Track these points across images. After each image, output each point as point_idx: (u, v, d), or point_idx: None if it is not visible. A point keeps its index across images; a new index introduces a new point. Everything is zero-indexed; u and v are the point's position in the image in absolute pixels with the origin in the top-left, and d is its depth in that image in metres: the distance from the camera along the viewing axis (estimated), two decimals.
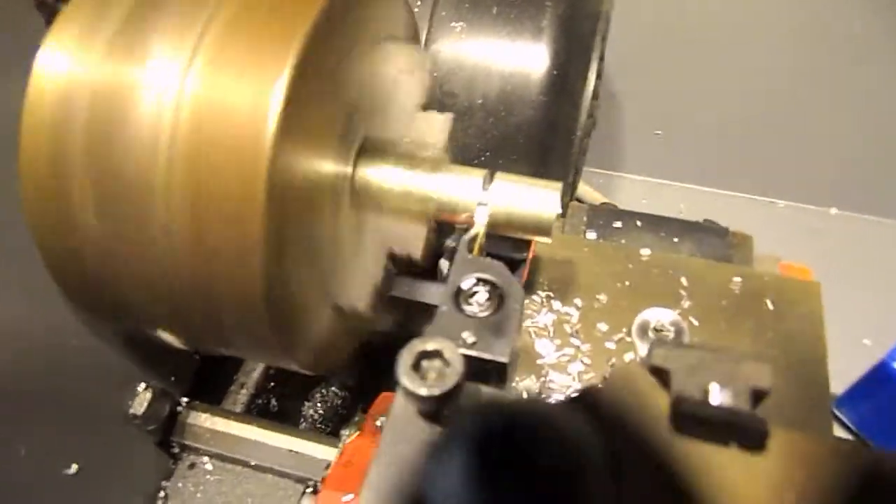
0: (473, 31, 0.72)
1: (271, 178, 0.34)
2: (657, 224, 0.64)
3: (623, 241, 0.62)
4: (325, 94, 0.39)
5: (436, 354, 0.32)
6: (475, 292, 0.39)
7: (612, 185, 1.15)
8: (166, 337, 0.45)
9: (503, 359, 0.36)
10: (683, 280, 0.55)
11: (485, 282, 0.39)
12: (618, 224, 0.64)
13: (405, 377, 0.30)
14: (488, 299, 0.39)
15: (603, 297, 0.55)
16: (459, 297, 0.39)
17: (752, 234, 0.63)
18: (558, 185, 0.46)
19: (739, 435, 0.28)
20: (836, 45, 0.92)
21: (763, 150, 1.05)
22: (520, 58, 0.71)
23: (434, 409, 0.33)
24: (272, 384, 0.79)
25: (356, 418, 0.70)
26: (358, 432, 0.60)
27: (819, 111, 0.99)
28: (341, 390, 0.87)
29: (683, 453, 0.28)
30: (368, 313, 0.48)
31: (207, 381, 0.70)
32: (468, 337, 0.36)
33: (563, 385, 0.49)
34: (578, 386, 0.50)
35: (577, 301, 0.54)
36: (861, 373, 0.70)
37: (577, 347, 0.52)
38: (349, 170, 0.43)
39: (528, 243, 0.84)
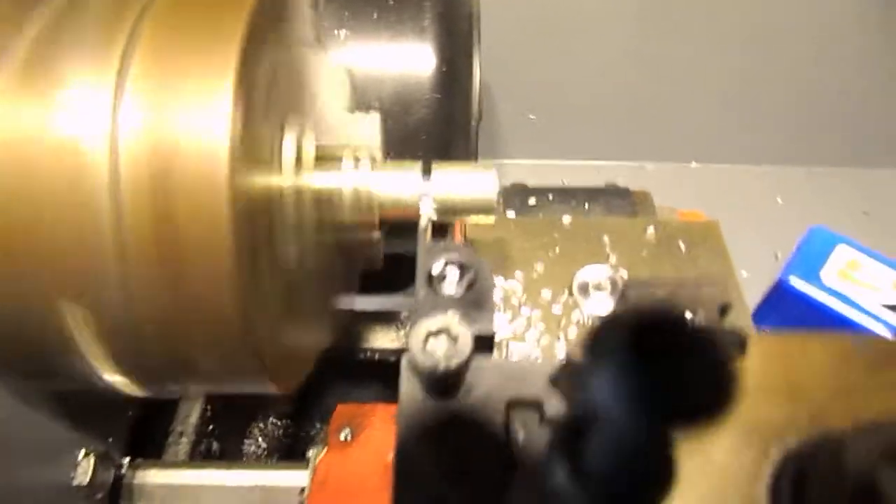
0: (357, 37, 0.73)
1: (234, 200, 0.34)
2: (567, 195, 0.69)
3: (540, 216, 0.66)
4: (265, 105, 0.39)
5: (439, 333, 0.33)
6: (446, 275, 0.40)
7: (497, 171, 1.20)
8: (116, 380, 0.42)
9: (490, 331, 0.37)
10: (605, 238, 0.60)
11: (452, 263, 0.41)
12: (532, 201, 0.68)
13: (421, 356, 0.31)
14: (460, 278, 0.40)
15: (540, 267, 0.58)
16: (433, 281, 0.40)
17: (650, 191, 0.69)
18: (491, 166, 0.49)
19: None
20: (679, 17, 1.03)
21: (627, 119, 1.15)
22: (408, 59, 0.73)
23: (443, 386, 0.34)
24: (211, 427, 0.75)
25: (319, 436, 0.69)
26: (325, 449, 0.59)
27: (669, 77, 1.10)
28: (280, 420, 0.84)
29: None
30: (332, 324, 0.48)
31: (143, 436, 0.66)
32: (454, 315, 0.37)
33: (524, 353, 0.52)
34: (538, 351, 0.53)
35: (518, 274, 0.58)
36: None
37: (528, 316, 0.55)
38: (294, 181, 0.43)
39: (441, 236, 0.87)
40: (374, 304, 0.73)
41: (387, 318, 0.70)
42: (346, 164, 0.46)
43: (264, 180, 0.38)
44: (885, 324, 0.58)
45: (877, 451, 0.24)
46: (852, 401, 0.31)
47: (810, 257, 0.62)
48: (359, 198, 0.46)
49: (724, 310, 0.34)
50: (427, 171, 0.48)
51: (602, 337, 0.15)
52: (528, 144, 1.21)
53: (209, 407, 0.73)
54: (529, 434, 0.34)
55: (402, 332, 0.68)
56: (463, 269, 0.41)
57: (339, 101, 0.51)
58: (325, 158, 0.45)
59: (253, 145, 0.36)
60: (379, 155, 0.48)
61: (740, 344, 0.32)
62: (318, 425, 0.84)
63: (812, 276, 0.61)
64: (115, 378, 0.40)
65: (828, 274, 0.61)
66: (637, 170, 1.22)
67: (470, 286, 0.40)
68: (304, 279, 0.45)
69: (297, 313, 0.45)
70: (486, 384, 0.35)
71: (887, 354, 0.32)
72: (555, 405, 0.34)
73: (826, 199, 1.16)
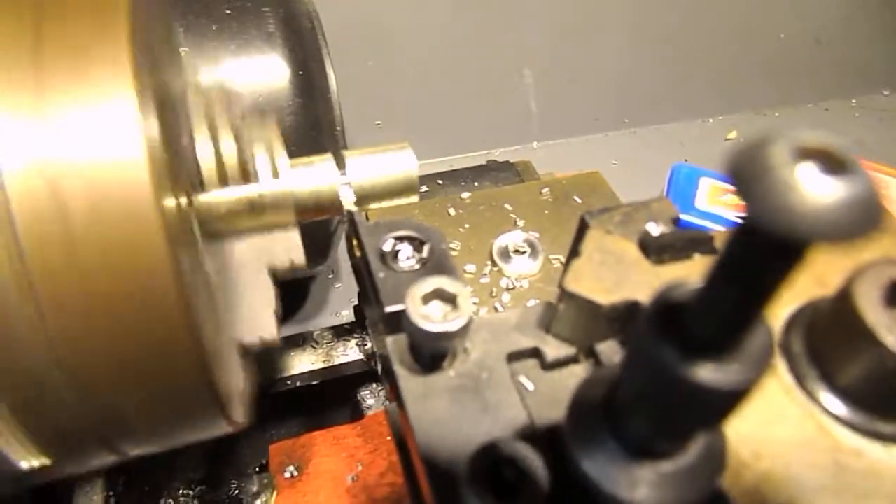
0: (200, 52, 0.68)
1: (166, 224, 0.29)
2: (454, 177, 0.69)
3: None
4: (173, 117, 0.34)
5: (431, 297, 0.31)
6: (398, 250, 0.38)
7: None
8: (32, 465, 0.34)
9: (465, 292, 0.36)
10: (508, 206, 0.61)
11: (401, 238, 0.39)
12: (424, 188, 0.67)
13: (422, 321, 0.29)
14: (414, 250, 0.38)
15: (455, 244, 0.57)
16: (387, 259, 0.37)
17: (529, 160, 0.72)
18: (405, 143, 0.47)
19: (693, 246, 0.33)
20: (495, 10, 1.08)
21: (467, 112, 1.19)
22: (261, 68, 0.69)
23: (443, 353, 0.32)
24: None
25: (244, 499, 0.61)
26: (274, 492, 0.53)
27: (503, 66, 1.15)
28: (189, 487, 0.75)
29: (669, 274, 0.32)
30: (274, 342, 0.43)
31: None
32: (434, 279, 0.35)
33: None
34: None
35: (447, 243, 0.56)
36: None
37: None
38: (200, 197, 0.38)
39: (324, 255, 0.82)
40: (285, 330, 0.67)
41: (298, 342, 0.65)
42: (263, 166, 0.41)
43: (182, 197, 0.33)
44: None
45: (880, 288, 0.26)
46: (812, 269, 0.33)
47: (681, 191, 0.68)
48: (280, 199, 0.41)
49: (675, 220, 0.35)
50: (340, 161, 0.45)
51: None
52: None
53: (110, 493, 0.62)
54: (536, 382, 0.33)
55: (320, 351, 0.63)
56: (413, 241, 0.39)
57: (235, 105, 0.46)
58: (240, 165, 0.41)
59: (170, 157, 0.31)
60: (285, 155, 0.44)
61: (707, 240, 0.34)
62: (234, 482, 0.76)
63: (688, 207, 0.66)
64: (31, 462, 0.33)
65: (699, 202, 0.67)
66: (486, 157, 1.26)
67: (426, 255, 0.38)
68: (230, 293, 0.40)
69: (230, 334, 0.39)
70: (481, 343, 0.33)
71: None
72: (553, 347, 0.33)
73: (652, 155, 1.29)
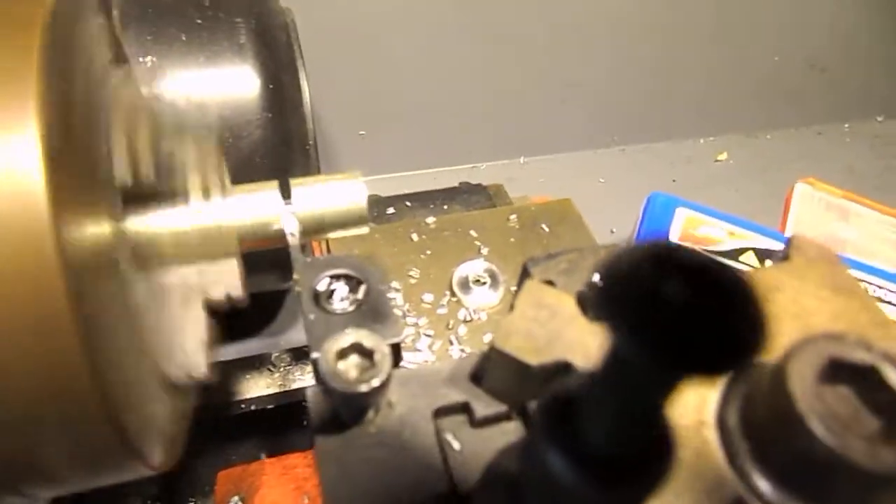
0: (168, 62, 0.66)
1: (64, 258, 0.27)
2: (424, 199, 0.67)
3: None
4: (83, 138, 0.32)
5: (348, 352, 0.29)
6: (333, 290, 0.36)
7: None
8: None
9: (398, 338, 0.34)
10: (473, 232, 0.59)
11: (337, 277, 0.37)
12: (391, 210, 0.66)
13: (336, 381, 0.27)
14: (350, 291, 0.36)
15: (415, 272, 0.56)
16: (320, 300, 0.36)
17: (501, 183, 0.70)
18: (356, 174, 0.45)
19: None
20: (482, 23, 1.07)
21: (456, 123, 1.17)
22: (229, 80, 0.68)
23: (362, 409, 0.30)
24: None
25: None
26: None
27: (489, 79, 1.14)
28: None
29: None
30: (203, 378, 0.41)
31: None
32: (356, 330, 0.34)
33: (420, 362, 0.49)
34: (433, 358, 0.50)
35: (395, 284, 0.55)
36: None
37: (416, 324, 0.52)
38: (126, 223, 0.36)
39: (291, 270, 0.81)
40: (239, 351, 0.66)
41: (255, 364, 0.63)
42: (193, 192, 0.40)
43: (96, 223, 0.31)
44: None
45: (816, 367, 0.25)
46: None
47: (655, 222, 0.67)
48: (213, 230, 0.40)
49: None
50: (286, 190, 0.43)
51: (616, 285, 0.13)
52: (361, 161, 1.18)
53: None
54: (463, 440, 0.31)
55: (277, 375, 0.62)
56: (350, 280, 0.37)
57: (168, 129, 0.44)
58: (167, 189, 0.39)
59: (76, 184, 0.29)
60: (226, 180, 0.43)
61: None
62: (192, 501, 0.74)
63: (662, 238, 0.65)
64: None
65: (673, 234, 0.66)
66: (471, 171, 1.24)
67: (364, 297, 0.36)
68: (157, 329, 0.38)
69: (156, 370, 0.38)
70: (408, 396, 0.32)
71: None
72: (483, 404, 0.32)
73: (640, 174, 1.27)
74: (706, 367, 0.12)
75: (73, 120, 0.31)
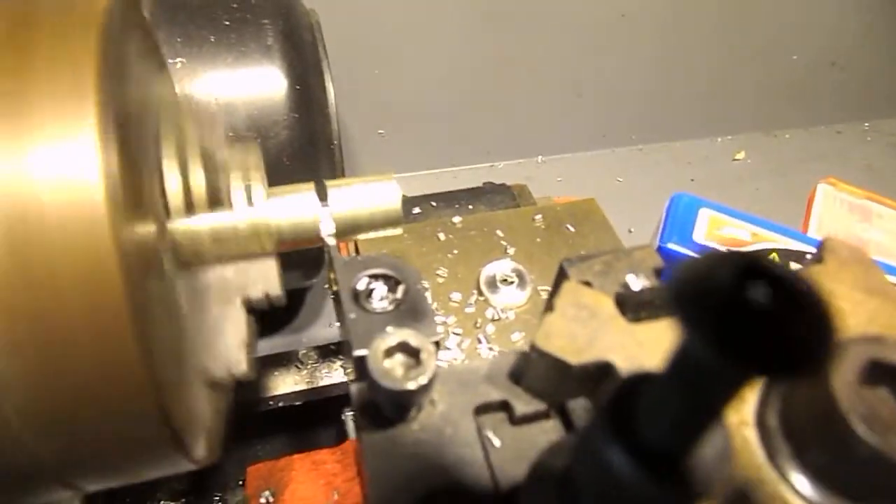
0: (197, 64, 0.67)
1: (122, 255, 0.28)
2: (449, 199, 0.68)
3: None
4: (137, 139, 0.33)
5: (394, 350, 0.30)
6: (372, 289, 0.37)
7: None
8: None
9: (437, 337, 0.35)
10: (499, 232, 0.60)
11: (376, 276, 0.38)
12: (416, 210, 0.67)
13: (386, 379, 0.28)
14: (389, 290, 0.37)
15: (443, 271, 0.56)
16: (360, 299, 0.37)
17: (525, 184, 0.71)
18: (390, 175, 0.46)
19: None
20: (499, 22, 1.07)
21: (472, 123, 1.18)
22: (257, 81, 0.69)
23: (407, 407, 0.31)
24: None
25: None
26: None
27: (509, 78, 1.14)
28: (173, 499, 0.74)
29: (645, 333, 0.31)
30: (244, 375, 0.42)
31: None
32: (395, 330, 0.34)
33: (451, 359, 0.50)
34: (462, 356, 0.51)
35: (423, 283, 0.55)
36: None
37: (444, 323, 0.53)
38: (173, 223, 0.37)
39: (318, 267, 0.82)
40: (267, 348, 0.67)
41: (283, 361, 0.64)
42: (237, 194, 0.41)
43: (150, 224, 0.32)
44: None
45: (856, 369, 0.25)
46: None
47: (679, 222, 0.67)
48: (255, 230, 0.41)
49: (657, 272, 0.34)
50: (322, 191, 0.44)
51: (692, 280, 0.13)
52: (381, 160, 1.19)
53: None
54: (504, 437, 0.32)
55: (304, 372, 0.63)
56: (389, 280, 0.38)
57: (211, 130, 0.45)
58: (212, 190, 0.40)
59: (132, 186, 0.30)
60: (265, 182, 0.44)
61: None
62: (218, 496, 0.75)
63: (686, 239, 0.65)
64: None
65: (698, 234, 0.66)
66: (489, 170, 1.25)
67: (403, 297, 0.37)
68: (200, 325, 0.39)
69: (198, 368, 0.39)
70: (448, 395, 0.32)
71: None
72: (523, 402, 0.32)
73: (658, 173, 1.27)
74: (778, 370, 0.13)
75: (128, 121, 0.32)
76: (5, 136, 0.27)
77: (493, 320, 0.53)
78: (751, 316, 0.13)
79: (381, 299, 0.37)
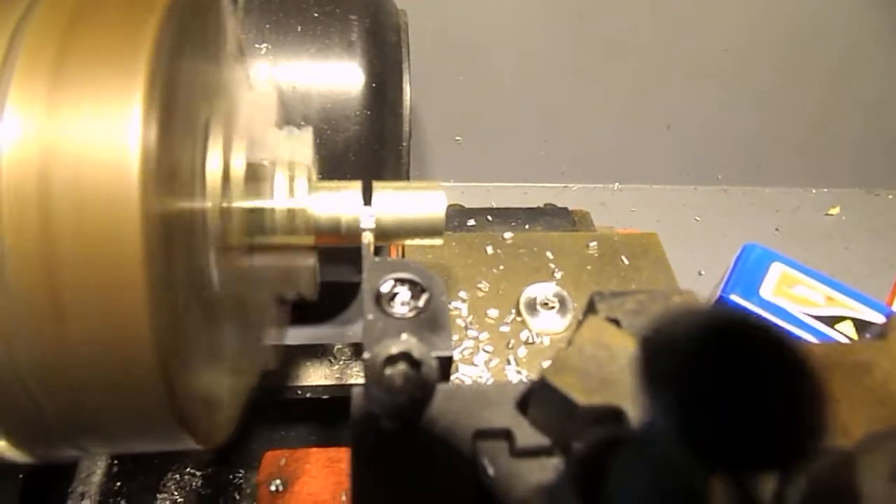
0: (281, 50, 0.69)
1: (146, 224, 0.28)
2: (506, 216, 0.67)
3: None
4: (184, 115, 0.34)
5: (398, 359, 0.29)
6: (396, 293, 0.36)
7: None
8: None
9: (450, 352, 0.34)
10: (549, 254, 0.58)
11: (402, 281, 0.37)
12: (471, 222, 0.66)
13: (379, 387, 0.27)
14: (412, 297, 0.36)
15: (484, 285, 0.55)
16: (381, 301, 0.36)
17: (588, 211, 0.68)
18: (438, 184, 0.45)
19: None
20: (593, 42, 1.05)
21: (551, 141, 1.16)
22: (335, 74, 0.70)
23: (404, 417, 0.30)
24: (118, 485, 0.67)
25: (244, 486, 0.62)
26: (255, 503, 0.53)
27: (594, 100, 1.12)
28: (199, 469, 0.76)
29: None
30: (266, 366, 0.42)
31: (38, 501, 0.57)
32: (408, 337, 0.34)
33: (475, 376, 0.49)
34: (488, 374, 0.49)
35: (462, 294, 0.54)
36: None
37: (476, 338, 0.51)
38: (219, 201, 0.38)
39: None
40: (303, 337, 0.67)
41: (317, 352, 0.65)
42: (279, 183, 0.41)
43: (183, 201, 0.33)
44: (823, 336, 0.59)
45: (890, 466, 0.22)
46: (837, 411, 0.29)
47: (747, 274, 0.63)
48: (293, 220, 0.41)
49: None
50: (367, 191, 0.44)
51: (661, 350, 0.12)
52: (455, 167, 1.19)
53: (115, 461, 0.64)
54: (500, 468, 0.30)
55: (336, 367, 0.63)
56: (414, 286, 0.37)
57: (267, 117, 0.46)
58: (255, 177, 0.41)
59: (170, 161, 0.31)
60: (314, 174, 0.44)
61: None
62: (241, 472, 0.77)
63: (751, 293, 0.61)
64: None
65: (765, 290, 0.62)
66: (562, 190, 1.22)
67: (425, 306, 0.36)
68: (229, 311, 0.40)
69: (220, 352, 0.39)
70: (450, 413, 0.31)
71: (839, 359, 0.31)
72: (526, 434, 0.31)
73: (740, 217, 1.21)
74: (748, 465, 0.11)
75: (177, 100, 0.32)
76: (56, 99, 0.28)
77: (526, 343, 0.51)
78: (719, 398, 0.11)
79: (402, 304, 0.36)
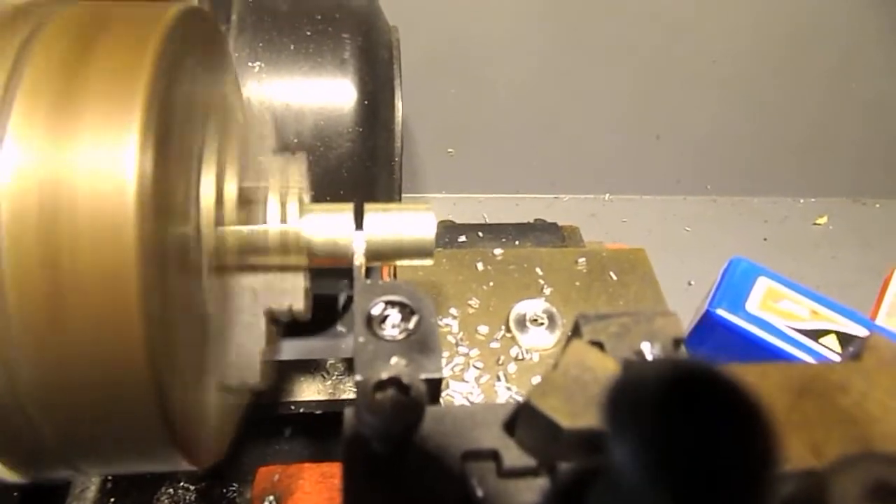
0: (274, 69, 0.70)
1: (142, 248, 0.29)
2: (496, 231, 0.68)
3: None
4: (178, 141, 0.35)
5: (388, 384, 0.30)
6: (387, 315, 0.37)
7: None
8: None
9: (440, 374, 0.35)
10: (539, 270, 0.59)
11: (392, 303, 0.38)
12: (462, 238, 0.67)
13: (370, 412, 0.28)
14: (402, 319, 0.37)
15: (475, 302, 0.56)
16: (372, 324, 0.37)
17: (578, 226, 0.69)
18: (428, 206, 0.46)
19: None
20: (583, 55, 1.06)
21: (544, 153, 1.17)
22: (328, 92, 0.71)
23: (394, 441, 0.31)
24: (112, 500, 0.67)
25: (238, 501, 0.62)
26: None
27: (583, 112, 1.13)
28: (192, 483, 0.77)
29: None
30: (256, 385, 0.43)
31: None
32: (398, 361, 0.34)
33: (465, 393, 0.50)
34: (478, 390, 0.50)
35: (453, 311, 0.55)
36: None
37: (466, 354, 0.52)
38: (213, 225, 0.39)
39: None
40: (296, 352, 0.68)
41: (311, 367, 0.65)
42: (272, 206, 0.42)
43: (178, 226, 0.34)
44: (808, 350, 0.60)
45: (861, 487, 0.23)
46: (811, 432, 0.30)
47: (733, 288, 0.64)
48: (286, 243, 0.42)
49: (677, 342, 0.33)
50: (359, 214, 0.45)
51: (626, 394, 0.13)
52: (447, 179, 1.20)
53: (109, 477, 0.65)
54: (488, 488, 0.31)
55: (329, 382, 0.64)
56: (404, 308, 0.38)
57: (261, 141, 0.47)
58: (248, 201, 0.41)
59: (165, 188, 0.32)
60: (307, 197, 0.45)
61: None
62: (234, 486, 0.77)
63: (737, 307, 0.62)
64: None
65: (751, 304, 0.63)
66: (553, 201, 1.24)
67: (415, 328, 0.37)
68: (222, 331, 0.40)
69: (213, 371, 0.40)
70: (440, 435, 0.32)
71: (818, 379, 0.32)
72: (513, 455, 0.32)
73: (729, 227, 1.22)
74: (706, 498, 0.12)
75: (173, 126, 0.33)
76: (56, 127, 0.29)
77: (516, 359, 0.52)
78: (677, 442, 0.12)
79: (392, 327, 0.37)
